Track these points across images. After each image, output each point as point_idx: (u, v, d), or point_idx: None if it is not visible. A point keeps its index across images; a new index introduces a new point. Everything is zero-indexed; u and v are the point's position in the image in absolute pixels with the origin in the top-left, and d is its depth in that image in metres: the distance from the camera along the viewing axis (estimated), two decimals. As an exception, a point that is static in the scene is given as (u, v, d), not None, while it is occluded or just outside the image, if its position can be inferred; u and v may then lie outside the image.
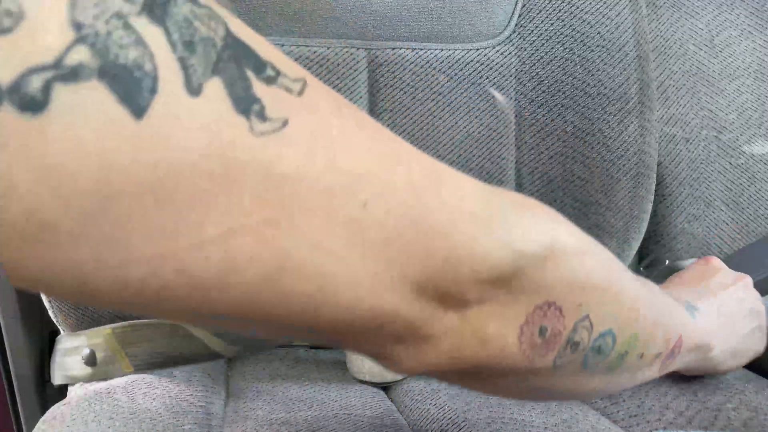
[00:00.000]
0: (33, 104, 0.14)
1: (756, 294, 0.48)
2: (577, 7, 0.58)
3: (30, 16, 0.14)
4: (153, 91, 0.16)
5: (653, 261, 0.65)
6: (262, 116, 0.17)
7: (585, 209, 0.59)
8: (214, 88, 0.17)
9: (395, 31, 0.56)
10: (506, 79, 0.58)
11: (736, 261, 0.52)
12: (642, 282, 0.33)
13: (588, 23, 0.58)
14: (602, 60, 0.58)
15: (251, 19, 0.54)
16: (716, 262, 0.49)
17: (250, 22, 0.53)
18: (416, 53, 0.56)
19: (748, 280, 0.48)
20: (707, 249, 0.65)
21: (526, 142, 0.58)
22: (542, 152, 0.59)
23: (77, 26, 0.15)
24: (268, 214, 0.18)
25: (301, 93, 0.19)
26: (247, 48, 0.18)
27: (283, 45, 0.54)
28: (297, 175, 0.18)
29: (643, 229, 0.62)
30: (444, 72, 0.56)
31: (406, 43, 0.56)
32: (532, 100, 0.58)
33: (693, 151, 0.65)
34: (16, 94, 0.14)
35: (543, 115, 0.58)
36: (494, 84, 0.57)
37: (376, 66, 0.55)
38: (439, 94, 0.56)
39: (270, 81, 0.18)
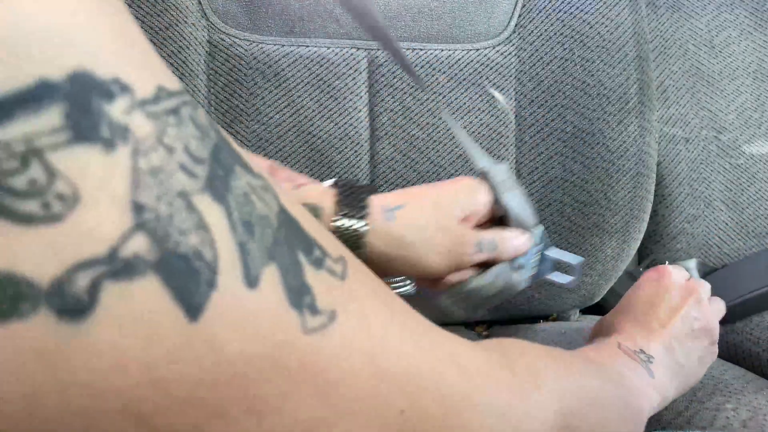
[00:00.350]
0: (76, 309, 0.12)
1: (708, 304, 0.47)
2: (577, 8, 0.58)
3: (86, 198, 0.13)
4: (211, 285, 0.14)
5: (653, 261, 0.65)
6: (314, 308, 0.17)
7: (585, 209, 0.59)
8: (271, 277, 0.16)
9: (395, 32, 0.56)
10: (506, 80, 0.58)
11: (719, 278, 0.52)
12: (619, 385, 0.35)
13: (588, 23, 0.58)
14: (602, 60, 0.58)
15: (251, 19, 0.54)
16: (667, 276, 0.47)
17: (251, 23, 0.54)
18: (416, 53, 0.56)
19: (700, 293, 0.47)
20: (707, 249, 0.65)
21: (525, 142, 0.58)
22: (542, 152, 0.59)
23: (138, 209, 0.13)
24: (308, 426, 0.17)
25: (344, 276, 0.18)
26: (297, 225, 0.17)
27: (283, 45, 0.53)
28: (342, 381, 0.17)
29: (643, 229, 0.62)
30: (444, 72, 0.56)
31: (406, 44, 0.56)
32: (532, 101, 0.58)
33: (693, 151, 0.65)
34: (58, 296, 0.12)
35: (543, 116, 0.58)
36: (494, 84, 0.57)
37: (376, 66, 0.55)
38: (439, 94, 0.56)
39: (318, 264, 0.17)
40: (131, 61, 0.14)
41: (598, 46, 0.58)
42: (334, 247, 0.19)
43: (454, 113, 0.57)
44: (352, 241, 0.38)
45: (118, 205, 0.13)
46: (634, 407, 0.36)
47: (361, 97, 0.55)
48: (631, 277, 0.64)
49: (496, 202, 0.42)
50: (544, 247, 0.45)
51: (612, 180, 0.59)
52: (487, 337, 0.62)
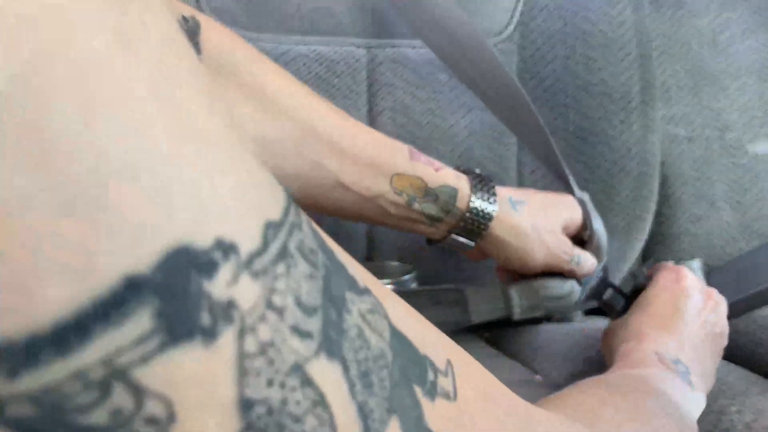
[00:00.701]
0: None
1: (722, 308, 0.47)
2: (580, 6, 0.57)
3: (183, 414, 0.10)
4: None
5: (656, 261, 0.65)
6: None
7: (587, 209, 0.59)
8: None
9: (396, 29, 0.55)
10: (508, 78, 0.57)
11: (715, 281, 0.52)
12: (687, 424, 0.34)
13: (590, 22, 0.57)
14: (604, 59, 0.58)
15: (250, 17, 0.53)
16: (684, 279, 0.47)
17: (249, 20, 0.53)
18: (417, 51, 0.55)
19: (716, 297, 0.47)
20: (710, 250, 0.64)
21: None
22: (544, 152, 0.58)
23: (246, 407, 0.11)
24: None
25: (455, 393, 0.17)
26: (408, 345, 0.15)
27: (281, 43, 0.53)
28: None
29: (646, 230, 0.61)
30: (445, 71, 0.56)
31: (407, 41, 0.55)
32: (534, 99, 0.58)
33: (696, 151, 0.65)
34: None
35: (545, 115, 0.58)
36: (495, 83, 0.57)
37: (376, 65, 0.55)
38: (440, 93, 0.56)
39: (432, 392, 0.16)
40: (232, 200, 0.11)
41: (600, 44, 0.58)
42: (440, 349, 0.17)
43: (455, 112, 0.56)
44: (481, 221, 0.43)
45: (222, 410, 0.11)
46: None
47: (360, 96, 0.55)
48: (634, 277, 0.63)
49: (585, 226, 0.48)
50: (605, 276, 0.51)
51: (615, 180, 0.58)
52: (488, 339, 0.61)
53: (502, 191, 0.45)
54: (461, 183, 0.43)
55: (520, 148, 0.58)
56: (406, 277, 0.52)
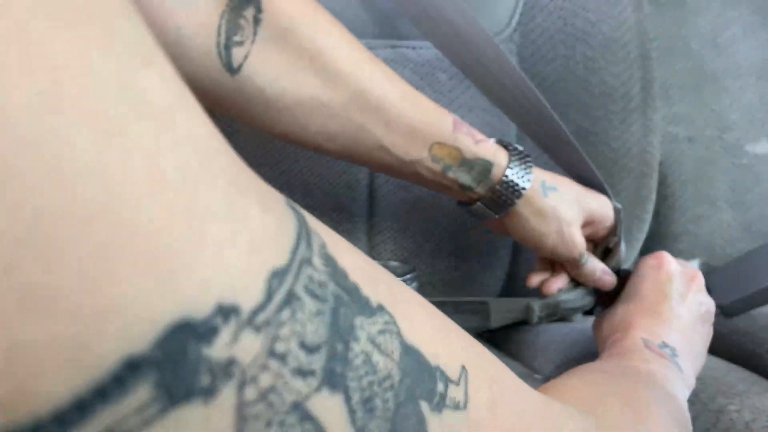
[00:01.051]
0: None
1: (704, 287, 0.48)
2: (580, 6, 0.57)
3: None
4: None
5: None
6: None
7: (587, 209, 0.59)
8: None
9: (396, 29, 0.55)
10: (508, 78, 0.57)
11: (715, 280, 0.52)
12: (677, 404, 0.35)
13: (590, 22, 0.57)
14: (605, 58, 0.58)
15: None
16: (667, 264, 0.48)
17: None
18: (416, 52, 0.55)
19: (700, 279, 0.48)
20: (711, 250, 0.64)
21: (528, 141, 0.58)
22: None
23: None
24: None
25: (466, 401, 0.16)
26: (419, 358, 0.15)
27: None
28: None
29: (645, 229, 0.61)
30: (445, 71, 0.56)
31: (407, 42, 0.55)
32: (534, 99, 0.58)
33: (697, 151, 0.65)
34: None
35: (545, 115, 0.58)
36: (496, 83, 0.57)
37: (376, 65, 0.55)
38: (440, 93, 0.56)
39: (440, 403, 0.15)
40: (236, 258, 0.11)
41: (600, 44, 0.57)
42: (455, 355, 0.17)
43: (455, 112, 0.56)
44: (510, 197, 0.45)
45: None
46: (686, 416, 0.36)
47: (361, 96, 0.55)
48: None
49: (614, 233, 0.50)
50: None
51: (615, 180, 0.58)
52: (488, 338, 0.61)
53: (538, 173, 0.46)
54: (499, 157, 0.44)
55: (520, 148, 0.58)
56: (407, 277, 0.52)
